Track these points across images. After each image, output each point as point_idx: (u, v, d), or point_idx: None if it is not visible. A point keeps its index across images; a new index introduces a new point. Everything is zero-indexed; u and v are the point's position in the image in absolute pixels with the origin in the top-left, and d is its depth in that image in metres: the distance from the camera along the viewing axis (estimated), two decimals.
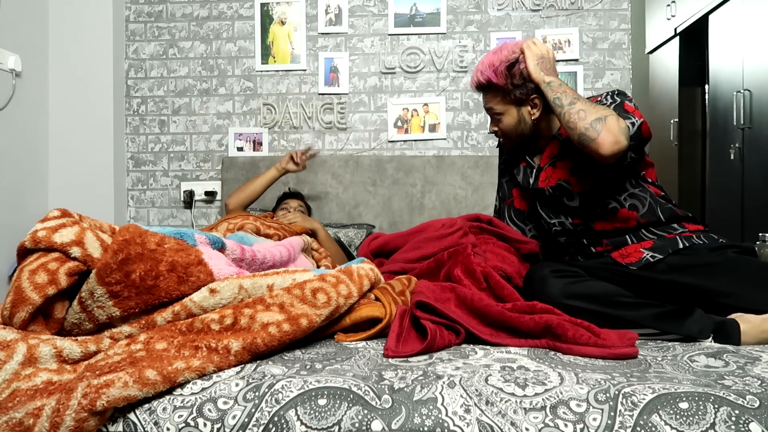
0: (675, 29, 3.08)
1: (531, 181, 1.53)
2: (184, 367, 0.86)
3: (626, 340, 1.01)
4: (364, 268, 1.19)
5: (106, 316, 0.95)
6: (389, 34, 2.89)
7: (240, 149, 2.93)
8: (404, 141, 2.90)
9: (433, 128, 2.88)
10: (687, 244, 1.36)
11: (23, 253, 0.96)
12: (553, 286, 1.25)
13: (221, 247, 1.16)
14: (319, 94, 2.92)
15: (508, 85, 1.44)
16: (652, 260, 1.36)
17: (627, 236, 1.43)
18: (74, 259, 0.94)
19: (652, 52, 3.46)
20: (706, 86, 2.88)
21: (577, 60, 2.84)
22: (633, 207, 1.42)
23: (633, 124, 1.32)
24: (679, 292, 1.29)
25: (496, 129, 1.53)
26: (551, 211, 1.53)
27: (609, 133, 1.25)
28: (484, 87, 1.49)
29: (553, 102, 1.35)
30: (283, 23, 2.91)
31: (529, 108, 1.47)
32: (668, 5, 3.13)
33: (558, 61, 2.84)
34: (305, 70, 2.92)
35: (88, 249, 0.95)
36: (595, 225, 1.46)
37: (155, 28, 2.95)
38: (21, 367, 0.85)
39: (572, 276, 1.29)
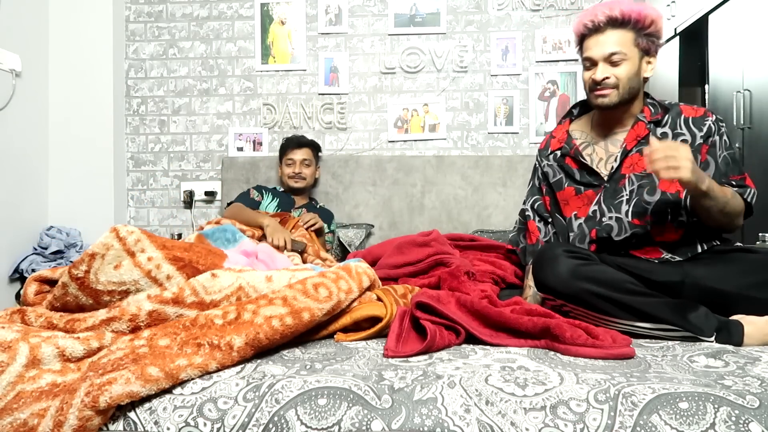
0: (675, 29, 3.08)
1: (614, 165, 1.45)
2: (186, 364, 0.86)
3: (621, 341, 1.02)
4: (361, 266, 1.20)
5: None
6: (389, 34, 2.89)
7: (240, 149, 2.93)
8: (404, 141, 2.90)
9: (433, 128, 2.88)
10: (705, 247, 1.40)
11: None
12: (563, 266, 1.23)
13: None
14: (319, 94, 2.91)
15: (645, 29, 1.38)
16: (672, 261, 1.39)
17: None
18: None
19: None
20: (706, 86, 2.88)
21: (577, 60, 2.84)
22: (688, 225, 1.41)
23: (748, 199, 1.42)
24: (691, 289, 1.31)
25: (608, 76, 1.40)
26: (611, 205, 1.45)
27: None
28: (618, 23, 1.39)
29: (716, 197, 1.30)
30: (283, 23, 2.91)
31: (647, 61, 1.42)
32: (668, 5, 3.13)
33: (558, 61, 2.85)
34: (305, 70, 2.92)
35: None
36: (652, 231, 1.41)
37: (155, 28, 2.95)
38: (25, 369, 0.85)
39: (584, 258, 1.29)
